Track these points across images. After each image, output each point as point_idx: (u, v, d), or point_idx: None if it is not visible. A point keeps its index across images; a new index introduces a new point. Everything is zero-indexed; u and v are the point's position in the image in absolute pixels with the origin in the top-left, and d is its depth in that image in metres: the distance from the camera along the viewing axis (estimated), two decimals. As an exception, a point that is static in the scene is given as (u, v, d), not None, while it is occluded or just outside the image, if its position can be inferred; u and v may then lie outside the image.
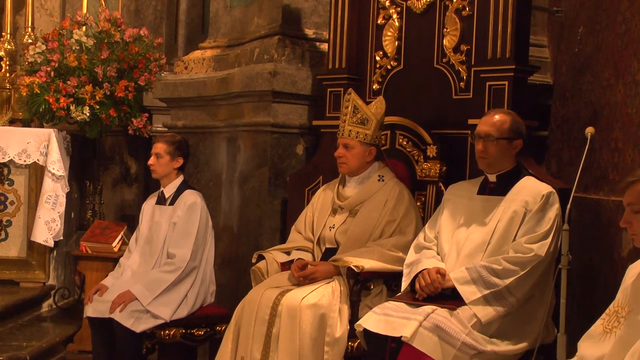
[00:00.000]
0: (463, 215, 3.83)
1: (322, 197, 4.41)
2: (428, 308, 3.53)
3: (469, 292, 3.55)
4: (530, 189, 3.70)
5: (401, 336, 3.44)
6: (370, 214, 4.18)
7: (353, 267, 3.90)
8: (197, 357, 4.97)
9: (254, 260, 4.36)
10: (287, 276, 4.16)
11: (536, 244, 3.56)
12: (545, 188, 3.70)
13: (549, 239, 3.59)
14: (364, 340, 3.69)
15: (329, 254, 4.19)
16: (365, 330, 3.62)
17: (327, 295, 3.92)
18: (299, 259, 4.22)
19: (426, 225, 3.99)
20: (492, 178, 3.81)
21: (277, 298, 3.94)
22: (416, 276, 3.73)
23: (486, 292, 3.52)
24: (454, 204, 3.90)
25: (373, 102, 4.33)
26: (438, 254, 3.83)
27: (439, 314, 3.50)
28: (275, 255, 4.32)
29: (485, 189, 3.83)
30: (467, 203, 3.84)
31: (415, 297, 3.68)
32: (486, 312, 3.52)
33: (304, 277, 4.05)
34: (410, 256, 3.89)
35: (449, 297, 3.61)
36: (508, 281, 3.53)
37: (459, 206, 3.87)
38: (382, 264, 3.99)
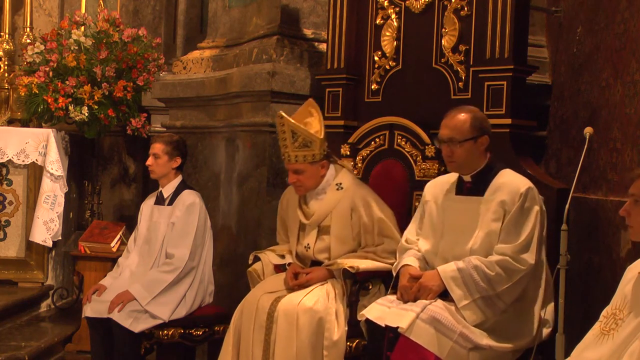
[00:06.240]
0: (444, 219, 3.77)
1: (288, 210, 4.32)
2: (425, 300, 3.55)
3: (460, 295, 3.52)
4: (508, 187, 3.61)
5: (398, 327, 3.45)
6: (343, 231, 4.10)
7: (348, 268, 3.91)
8: (195, 357, 4.96)
9: (250, 261, 4.36)
10: (282, 278, 4.16)
11: (527, 254, 3.51)
12: (523, 184, 3.61)
13: (535, 244, 3.54)
14: (365, 331, 3.70)
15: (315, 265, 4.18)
16: (366, 320, 3.64)
17: (322, 298, 3.91)
18: (291, 263, 4.21)
19: (407, 228, 3.96)
20: (467, 178, 3.76)
21: (273, 304, 3.94)
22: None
23: (477, 296, 3.51)
24: (434, 205, 3.84)
25: (305, 111, 4.16)
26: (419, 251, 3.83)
27: (436, 306, 3.51)
28: (270, 257, 4.31)
29: (463, 189, 3.77)
30: (448, 205, 3.78)
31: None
32: (475, 317, 3.51)
33: (298, 285, 4.04)
34: (397, 260, 3.89)
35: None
36: (499, 289, 3.51)
37: (439, 209, 3.81)
38: (377, 263, 3.99)
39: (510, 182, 3.64)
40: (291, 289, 4.05)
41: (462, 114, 3.68)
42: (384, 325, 3.53)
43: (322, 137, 4.07)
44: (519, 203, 3.56)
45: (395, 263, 3.87)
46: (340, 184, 4.15)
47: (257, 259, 4.35)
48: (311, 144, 4.05)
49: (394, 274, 3.83)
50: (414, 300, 3.58)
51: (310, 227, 4.17)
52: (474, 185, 3.72)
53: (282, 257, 4.32)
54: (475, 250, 3.61)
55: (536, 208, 3.57)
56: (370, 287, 4.03)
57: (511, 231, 3.55)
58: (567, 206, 3.49)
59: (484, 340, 3.49)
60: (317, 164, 4.09)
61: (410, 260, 3.76)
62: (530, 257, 3.52)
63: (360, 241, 4.12)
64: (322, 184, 4.15)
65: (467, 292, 3.51)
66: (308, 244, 4.19)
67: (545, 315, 3.63)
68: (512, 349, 3.58)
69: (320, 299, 3.90)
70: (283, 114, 4.06)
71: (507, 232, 3.56)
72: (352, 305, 3.97)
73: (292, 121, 4.03)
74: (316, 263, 4.18)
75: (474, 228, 3.64)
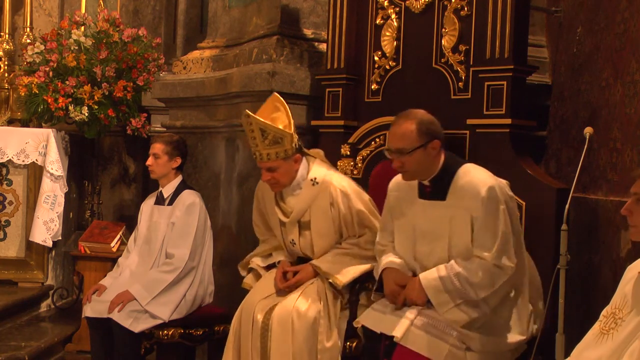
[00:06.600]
0: (414, 225, 3.69)
1: (266, 204, 4.26)
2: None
3: (442, 302, 3.47)
4: (468, 191, 3.52)
5: (393, 335, 3.44)
6: (324, 225, 4.06)
7: (333, 283, 3.91)
8: (195, 357, 4.96)
9: (244, 274, 4.34)
10: (273, 277, 4.14)
11: (505, 258, 3.45)
12: (482, 185, 3.50)
13: (510, 244, 3.48)
14: (363, 336, 3.69)
15: (302, 262, 4.16)
16: (362, 325, 3.63)
17: (314, 301, 3.90)
18: (281, 262, 4.19)
19: (378, 233, 3.91)
20: (425, 182, 3.67)
21: (268, 312, 3.92)
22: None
23: (459, 301, 3.46)
24: (400, 211, 3.76)
25: (271, 106, 4.07)
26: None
27: (430, 309, 3.49)
28: (258, 262, 4.28)
29: (424, 193, 3.68)
30: (413, 210, 3.70)
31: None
32: (459, 319, 3.47)
33: (288, 286, 4.03)
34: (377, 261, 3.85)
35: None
36: (482, 295, 3.47)
37: (406, 214, 3.73)
38: (361, 267, 3.96)
39: (469, 184, 3.54)
40: (282, 291, 4.03)
41: (408, 122, 3.57)
42: (379, 332, 3.52)
43: (291, 131, 4.00)
44: (483, 208, 3.48)
45: (376, 265, 3.83)
46: (315, 178, 4.07)
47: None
48: (282, 140, 3.96)
49: (376, 277, 3.80)
50: (404, 304, 3.56)
51: (291, 223, 4.12)
52: (434, 190, 3.64)
53: (270, 255, 4.29)
54: (454, 257, 3.55)
55: (501, 207, 3.49)
56: (371, 286, 4.02)
57: (484, 237, 3.49)
58: (567, 206, 3.48)
59: (478, 340, 3.47)
60: (290, 159, 4.01)
61: (390, 263, 3.72)
62: (510, 261, 3.47)
63: (342, 233, 4.08)
64: (297, 179, 4.08)
65: (449, 298, 3.46)
66: (293, 240, 4.15)
67: (535, 303, 3.61)
68: (507, 345, 3.55)
69: (313, 303, 3.89)
70: (249, 112, 3.97)
71: (480, 239, 3.50)
72: (352, 305, 3.97)
73: (260, 119, 3.95)
74: (303, 260, 4.16)
75: (446, 235, 3.57)
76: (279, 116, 4.02)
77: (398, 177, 3.80)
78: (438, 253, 3.60)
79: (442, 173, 3.61)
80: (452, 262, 3.52)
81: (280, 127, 3.97)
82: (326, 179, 4.07)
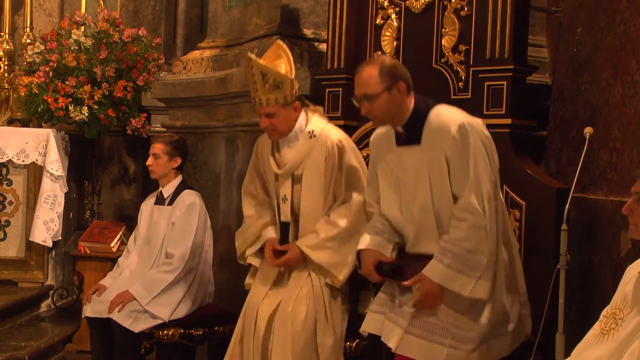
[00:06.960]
0: (395, 174, 3.62)
1: (264, 160, 4.19)
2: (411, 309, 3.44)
3: (462, 285, 3.34)
4: (441, 132, 3.43)
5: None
6: (315, 179, 3.98)
7: (330, 283, 3.90)
8: (195, 357, 4.96)
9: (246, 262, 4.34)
10: (265, 267, 4.12)
11: (474, 197, 3.34)
12: (453, 124, 3.41)
13: (480, 185, 3.36)
14: (367, 337, 3.68)
15: (284, 229, 4.11)
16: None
17: (312, 303, 3.89)
18: (267, 241, 4.13)
19: (366, 188, 3.86)
20: (399, 129, 3.60)
21: (271, 315, 3.91)
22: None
23: (478, 273, 3.33)
24: (381, 160, 3.69)
25: (273, 53, 4.01)
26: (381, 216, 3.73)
27: (424, 313, 3.40)
28: (251, 252, 4.24)
29: (400, 140, 3.61)
30: (393, 159, 3.63)
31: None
32: (483, 289, 3.34)
33: (278, 265, 4.01)
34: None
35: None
36: (487, 249, 3.34)
37: (387, 164, 3.66)
38: (353, 256, 3.88)
39: (441, 125, 3.46)
40: (279, 282, 4.02)
41: (370, 68, 3.52)
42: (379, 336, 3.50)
43: (292, 77, 3.95)
44: (454, 146, 3.40)
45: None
46: (313, 131, 4.02)
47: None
48: (282, 85, 3.91)
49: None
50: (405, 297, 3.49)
51: (284, 177, 4.05)
52: (408, 135, 3.56)
53: (258, 237, 4.22)
54: (435, 204, 3.47)
55: (472, 144, 3.40)
56: (371, 285, 4.02)
57: (460, 179, 3.41)
58: (567, 206, 3.48)
59: (475, 332, 3.39)
60: (289, 106, 3.95)
61: (366, 244, 3.66)
62: (477, 201, 3.35)
63: (330, 199, 4.01)
64: (295, 129, 4.02)
65: (467, 278, 3.33)
66: (284, 195, 4.08)
67: (518, 279, 3.55)
68: (502, 337, 3.48)
69: (312, 304, 3.88)
70: (252, 55, 3.93)
71: (457, 183, 3.41)
72: (352, 304, 3.96)
73: (261, 62, 3.90)
74: (283, 230, 4.10)
75: (426, 179, 3.49)
76: (281, 63, 3.98)
77: (376, 132, 3.77)
78: (421, 199, 3.52)
79: (414, 117, 3.54)
80: (441, 242, 3.41)
81: (282, 72, 3.93)
82: (324, 133, 4.02)
